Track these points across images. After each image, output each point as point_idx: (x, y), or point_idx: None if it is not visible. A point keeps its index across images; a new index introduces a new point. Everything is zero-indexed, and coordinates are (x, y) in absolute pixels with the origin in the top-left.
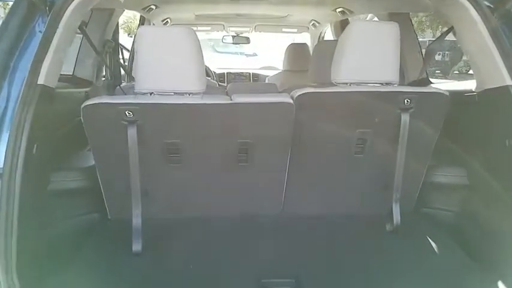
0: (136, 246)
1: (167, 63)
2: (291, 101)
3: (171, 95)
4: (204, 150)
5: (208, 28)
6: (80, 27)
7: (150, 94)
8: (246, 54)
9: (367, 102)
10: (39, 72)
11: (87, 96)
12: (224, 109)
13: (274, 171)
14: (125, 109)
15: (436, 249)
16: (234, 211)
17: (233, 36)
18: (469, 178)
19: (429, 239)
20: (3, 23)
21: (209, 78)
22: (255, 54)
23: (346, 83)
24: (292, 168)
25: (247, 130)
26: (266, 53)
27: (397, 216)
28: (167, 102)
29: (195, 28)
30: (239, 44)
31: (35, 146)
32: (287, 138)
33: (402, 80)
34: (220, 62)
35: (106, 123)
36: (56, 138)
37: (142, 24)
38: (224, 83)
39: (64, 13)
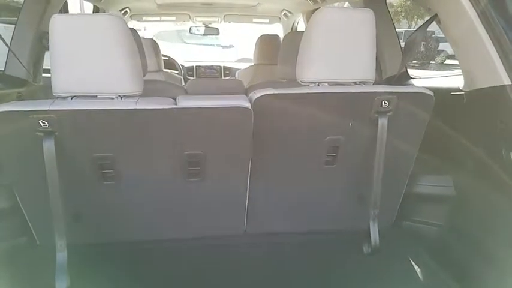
0: (61, 284)
1: (90, 59)
2: (249, 105)
3: (97, 99)
4: (144, 165)
5: (173, 18)
6: None
7: (71, 98)
8: (222, 46)
9: (338, 105)
10: None
11: (20, 98)
12: (166, 115)
13: (233, 186)
14: (38, 118)
15: (417, 271)
16: (187, 234)
17: (201, 27)
18: (456, 189)
19: (410, 259)
20: None
21: (176, 72)
22: (231, 46)
23: (314, 83)
24: (254, 182)
25: (197, 140)
26: (244, 45)
27: (375, 236)
28: (91, 108)
29: (158, 18)
30: (208, 35)
31: None
32: (246, 148)
33: (380, 75)
34: (194, 54)
35: (17, 135)
36: None
37: None
38: (193, 76)
39: None
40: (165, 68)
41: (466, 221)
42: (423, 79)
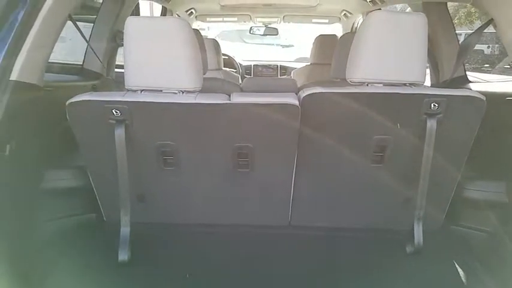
0: (123, 256)
1: (157, 57)
2: (297, 102)
3: (162, 93)
4: (200, 154)
5: (235, 19)
6: (69, 16)
7: (141, 91)
8: (282, 45)
9: (386, 105)
10: (12, 68)
11: (95, 90)
12: (220, 110)
13: (279, 179)
14: (111, 107)
15: (461, 276)
16: (235, 220)
17: (262, 28)
18: (508, 195)
19: (455, 263)
20: None
21: (234, 71)
22: (291, 45)
23: (363, 83)
24: (300, 177)
25: (246, 133)
26: (304, 44)
27: (418, 237)
28: (157, 100)
29: (220, 19)
30: (267, 35)
31: (8, 146)
32: (292, 143)
33: (437, 78)
34: (254, 53)
35: (92, 122)
36: (54, 134)
37: (164, 15)
38: (250, 75)
39: (44, 2)
40: (224, 66)
41: None
42: (485, 83)
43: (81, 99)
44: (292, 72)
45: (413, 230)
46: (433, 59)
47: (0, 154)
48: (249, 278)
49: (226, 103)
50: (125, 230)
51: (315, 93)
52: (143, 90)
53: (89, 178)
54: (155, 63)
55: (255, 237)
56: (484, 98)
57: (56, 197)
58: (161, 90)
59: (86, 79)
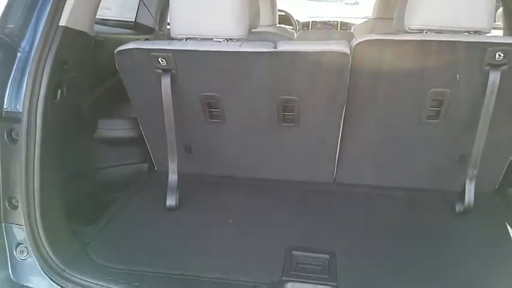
0: (170, 201)
1: (201, 3)
2: (347, 50)
3: (207, 41)
4: (244, 106)
5: None
6: None
7: (186, 40)
8: (345, 3)
9: (444, 55)
10: (61, 14)
11: None
12: (266, 58)
13: (325, 135)
14: (157, 56)
15: None
16: (279, 175)
17: None
18: None
19: (508, 226)
20: None
21: (291, 28)
22: (356, 3)
23: (421, 30)
24: (347, 131)
25: (292, 85)
26: (371, 1)
27: (470, 197)
28: (201, 49)
29: None
30: None
31: (59, 91)
32: (340, 95)
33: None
34: (315, 11)
35: (140, 70)
36: (107, 86)
37: None
38: None
39: None
40: (280, 23)
41: None
42: None
43: (128, 47)
44: (352, 27)
45: (464, 190)
46: (509, 8)
47: (52, 98)
48: (290, 230)
49: (271, 51)
50: (173, 177)
51: (368, 40)
52: (188, 38)
53: (140, 129)
54: (199, 9)
55: (298, 192)
56: None
57: (111, 145)
58: (205, 38)
59: (138, 33)
